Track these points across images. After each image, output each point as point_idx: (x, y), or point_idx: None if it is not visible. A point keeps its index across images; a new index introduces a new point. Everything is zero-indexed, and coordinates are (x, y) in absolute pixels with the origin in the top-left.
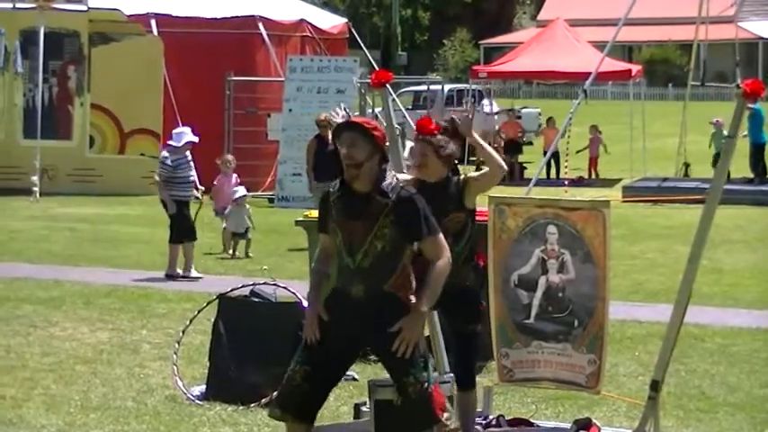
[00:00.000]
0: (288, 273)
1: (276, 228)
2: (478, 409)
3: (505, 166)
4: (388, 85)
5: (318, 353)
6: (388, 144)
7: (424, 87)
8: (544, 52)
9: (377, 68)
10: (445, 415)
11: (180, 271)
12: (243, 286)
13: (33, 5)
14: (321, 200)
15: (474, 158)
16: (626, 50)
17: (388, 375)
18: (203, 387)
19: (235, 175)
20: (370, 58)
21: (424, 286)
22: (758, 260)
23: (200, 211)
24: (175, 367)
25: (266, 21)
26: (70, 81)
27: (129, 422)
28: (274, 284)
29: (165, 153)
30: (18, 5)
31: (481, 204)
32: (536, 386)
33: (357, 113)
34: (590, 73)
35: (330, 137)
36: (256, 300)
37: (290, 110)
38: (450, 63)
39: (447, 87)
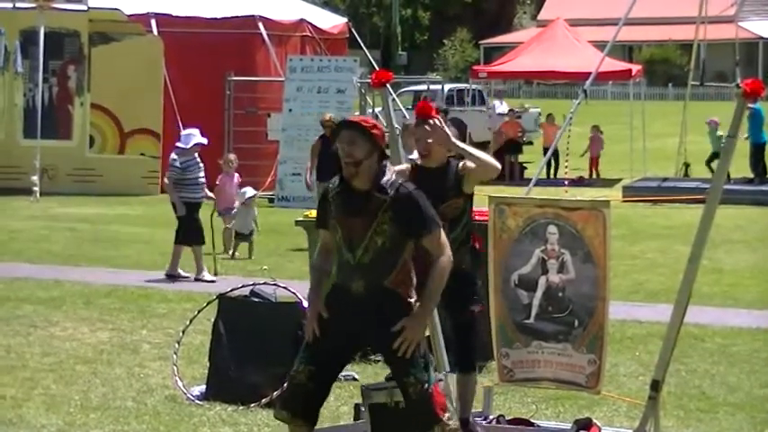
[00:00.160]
0: (288, 273)
1: (276, 228)
2: (479, 410)
3: (497, 164)
4: (388, 85)
5: (321, 352)
6: (387, 143)
7: (424, 87)
8: (544, 52)
9: (377, 68)
10: (446, 415)
11: (182, 272)
12: (243, 286)
13: (33, 5)
14: (321, 196)
15: None
16: (626, 50)
17: (385, 378)
18: (203, 387)
19: (236, 175)
20: (370, 57)
21: (427, 286)
22: (758, 260)
23: (213, 218)
24: (175, 367)
25: (266, 21)
26: (70, 81)
27: (129, 422)
28: (274, 284)
29: (173, 155)
30: (18, 5)
31: (481, 204)
32: (536, 386)
33: (357, 113)
34: (590, 73)
35: None
36: (256, 300)
37: (290, 110)
38: (451, 63)
39: (447, 87)
